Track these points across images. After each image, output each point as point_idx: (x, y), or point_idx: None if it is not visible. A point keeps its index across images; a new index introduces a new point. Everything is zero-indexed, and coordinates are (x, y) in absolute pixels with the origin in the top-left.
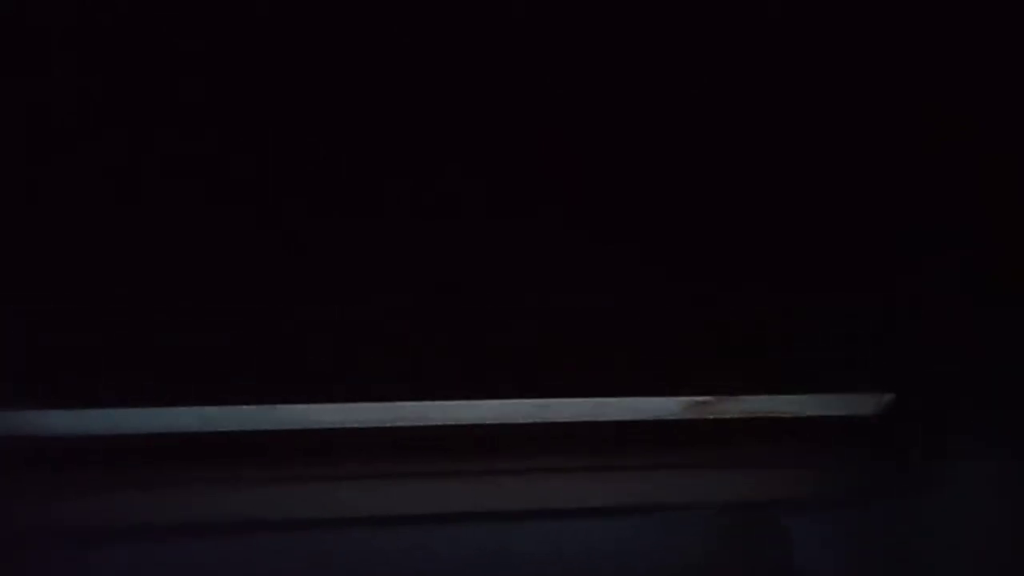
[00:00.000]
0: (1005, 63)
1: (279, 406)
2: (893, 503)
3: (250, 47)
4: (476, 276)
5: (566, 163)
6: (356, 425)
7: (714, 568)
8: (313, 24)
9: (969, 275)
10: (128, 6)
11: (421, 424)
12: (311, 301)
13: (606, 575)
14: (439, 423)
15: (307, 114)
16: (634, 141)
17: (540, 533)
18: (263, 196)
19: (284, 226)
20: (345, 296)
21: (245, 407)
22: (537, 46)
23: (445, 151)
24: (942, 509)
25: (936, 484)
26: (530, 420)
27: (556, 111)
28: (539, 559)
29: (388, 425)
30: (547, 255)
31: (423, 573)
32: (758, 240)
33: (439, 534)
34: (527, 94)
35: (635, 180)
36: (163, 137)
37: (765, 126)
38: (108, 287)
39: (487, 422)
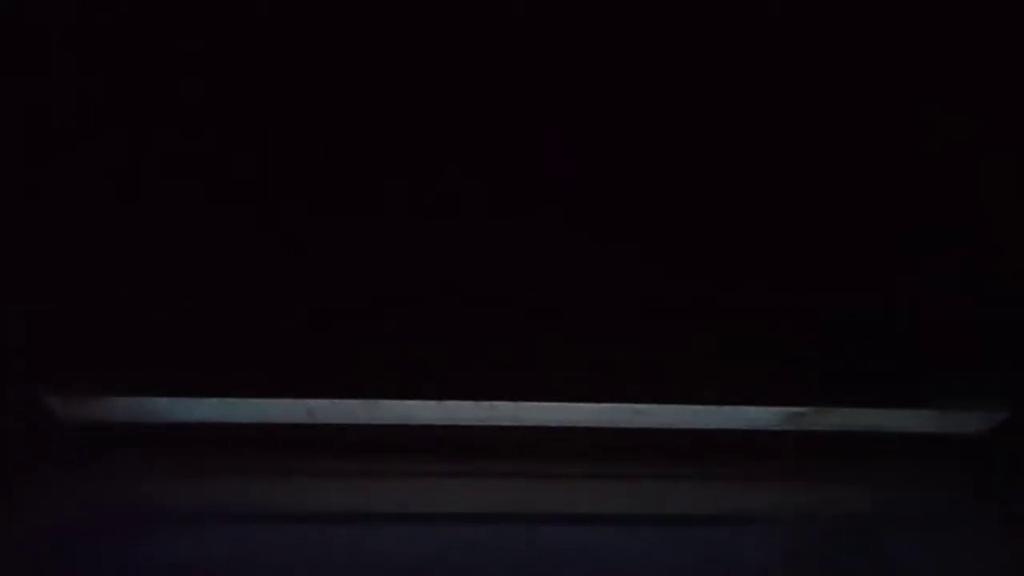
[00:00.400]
0: (1005, 63)
1: (381, 401)
2: (998, 526)
3: (250, 47)
4: (479, 276)
5: (566, 163)
6: (452, 423)
7: None
8: (313, 24)
9: (969, 275)
10: (128, 6)
11: (514, 424)
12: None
13: None
14: (529, 424)
15: (307, 114)
16: (634, 141)
17: (630, 537)
18: (263, 196)
19: (284, 226)
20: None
21: (343, 401)
22: (537, 46)
23: (445, 151)
24: None
25: None
26: (623, 425)
27: (556, 111)
28: (628, 563)
29: (479, 424)
30: (554, 255)
31: (506, 570)
32: (759, 239)
33: (524, 534)
34: (527, 94)
35: (635, 180)
36: (163, 137)
37: (765, 126)
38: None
39: (580, 425)
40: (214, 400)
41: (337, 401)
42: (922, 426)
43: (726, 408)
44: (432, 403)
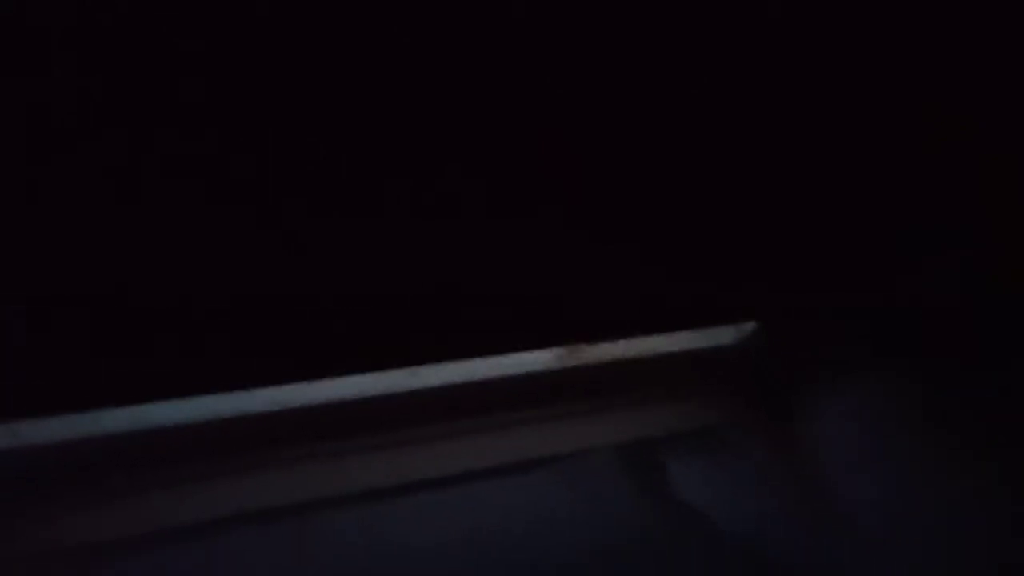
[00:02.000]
0: (1005, 63)
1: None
2: (767, 430)
3: (250, 47)
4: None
5: (566, 163)
6: (209, 416)
7: (598, 512)
8: (313, 24)
9: (969, 275)
10: (128, 6)
11: (288, 407)
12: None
13: (497, 535)
14: (301, 404)
15: (307, 114)
16: (634, 141)
17: (424, 504)
18: (263, 196)
19: (284, 226)
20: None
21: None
22: (537, 46)
23: (445, 151)
24: (813, 435)
25: (805, 411)
26: (399, 390)
27: (556, 111)
28: (431, 530)
29: (251, 412)
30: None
31: (321, 559)
32: (758, 239)
33: (316, 520)
34: (527, 93)
35: (635, 180)
36: (163, 137)
37: (765, 126)
38: (103, 282)
39: (354, 397)
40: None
41: None
42: (680, 346)
43: (497, 358)
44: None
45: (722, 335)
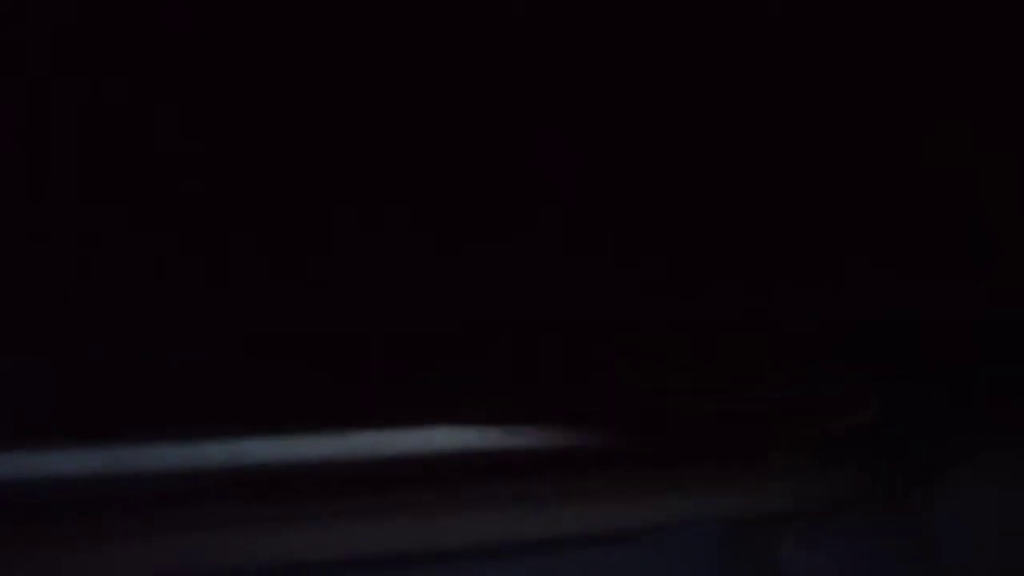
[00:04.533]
0: (1006, 62)
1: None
2: (882, 510)
3: (250, 49)
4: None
5: (564, 169)
6: (293, 460)
7: None
8: (312, 27)
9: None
10: (128, 6)
11: (391, 454)
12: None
13: None
14: (404, 452)
15: (306, 117)
16: (632, 147)
17: (518, 568)
18: (263, 198)
19: (285, 234)
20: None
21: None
22: (533, 51)
23: (444, 159)
24: (940, 520)
25: (924, 489)
26: (496, 447)
27: (553, 119)
28: None
29: (329, 459)
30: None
31: None
32: (753, 238)
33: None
34: (524, 100)
35: (632, 186)
36: (163, 137)
37: (765, 129)
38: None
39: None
40: None
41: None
42: (802, 415)
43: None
44: (260, 440)
45: (843, 406)
